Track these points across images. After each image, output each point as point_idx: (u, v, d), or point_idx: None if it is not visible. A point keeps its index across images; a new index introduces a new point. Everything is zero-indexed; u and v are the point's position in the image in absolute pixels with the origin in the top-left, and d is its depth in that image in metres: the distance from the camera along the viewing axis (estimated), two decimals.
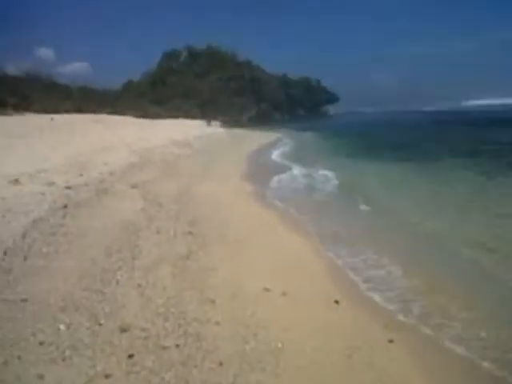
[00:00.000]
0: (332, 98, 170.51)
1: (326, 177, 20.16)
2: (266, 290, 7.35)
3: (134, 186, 15.25)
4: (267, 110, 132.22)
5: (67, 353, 5.11)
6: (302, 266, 8.80)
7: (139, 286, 7.00)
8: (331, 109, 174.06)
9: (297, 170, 22.48)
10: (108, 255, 8.22)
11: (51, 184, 13.61)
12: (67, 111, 53.31)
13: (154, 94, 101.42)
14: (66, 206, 11.43)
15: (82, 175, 15.91)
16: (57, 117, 40.63)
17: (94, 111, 59.79)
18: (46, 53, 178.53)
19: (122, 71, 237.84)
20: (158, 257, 8.38)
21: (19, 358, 4.95)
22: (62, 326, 5.64)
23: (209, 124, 69.31)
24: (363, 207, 13.86)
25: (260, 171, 22.71)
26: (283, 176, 21.06)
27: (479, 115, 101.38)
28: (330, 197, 15.98)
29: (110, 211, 11.57)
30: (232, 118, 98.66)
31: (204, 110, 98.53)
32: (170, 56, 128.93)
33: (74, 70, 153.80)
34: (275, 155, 30.92)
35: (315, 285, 7.88)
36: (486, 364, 5.53)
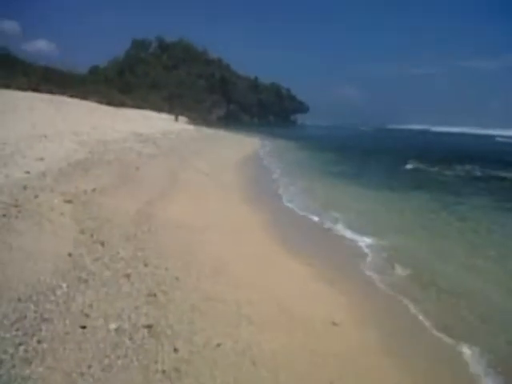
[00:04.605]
0: (302, 108, 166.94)
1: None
2: None
3: (69, 200, 10.08)
4: (237, 111, 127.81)
5: None
6: None
7: None
8: (300, 118, 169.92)
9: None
10: None
11: None
12: (21, 88, 47.82)
13: (121, 82, 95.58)
14: None
15: None
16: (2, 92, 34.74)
17: (52, 92, 55.06)
18: (10, 26, 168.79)
19: (90, 56, 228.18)
20: None
21: None
22: None
23: (176, 119, 63.92)
24: None
25: (263, 190, 17.83)
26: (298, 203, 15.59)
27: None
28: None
29: (10, 256, 6.39)
30: (200, 116, 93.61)
31: (171, 103, 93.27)
32: (140, 45, 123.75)
33: (39, 48, 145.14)
34: (271, 169, 24.85)
35: None
36: None
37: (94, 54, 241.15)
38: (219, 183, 17.10)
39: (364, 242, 10.98)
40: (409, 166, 31.00)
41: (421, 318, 7.02)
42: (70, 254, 6.93)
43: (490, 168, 31.76)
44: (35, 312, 4.97)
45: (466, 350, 6.08)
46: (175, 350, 4.82)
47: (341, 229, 12.14)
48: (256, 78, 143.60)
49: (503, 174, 29.09)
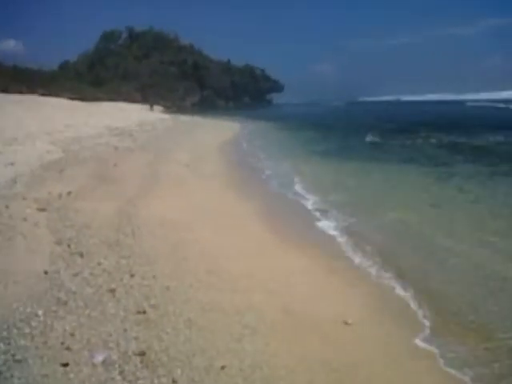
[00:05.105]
0: (277, 87, 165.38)
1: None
2: None
3: (42, 208, 9.34)
4: (211, 96, 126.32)
5: None
6: None
7: None
8: (275, 97, 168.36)
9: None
10: None
11: None
12: None
13: (92, 76, 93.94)
14: None
15: None
16: None
17: (21, 92, 54.21)
18: None
19: (60, 52, 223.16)
20: None
21: None
22: None
23: (151, 109, 62.86)
24: None
25: (248, 176, 17.01)
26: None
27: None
28: None
29: None
30: (174, 104, 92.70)
31: (144, 93, 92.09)
32: (109, 36, 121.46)
33: (6, 48, 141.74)
34: (254, 152, 23.65)
35: None
36: None
37: (65, 50, 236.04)
38: (201, 173, 16.29)
39: (363, 223, 10.38)
40: (376, 139, 30.57)
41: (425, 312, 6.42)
42: (45, 272, 6.22)
43: (460, 135, 31.41)
44: (5, 353, 4.24)
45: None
46: (174, 381, 4.13)
47: (335, 213, 11.42)
48: (229, 61, 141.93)
49: (476, 141, 28.31)
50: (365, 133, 33.44)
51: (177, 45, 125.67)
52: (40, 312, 5.08)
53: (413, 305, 6.42)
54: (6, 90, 50.69)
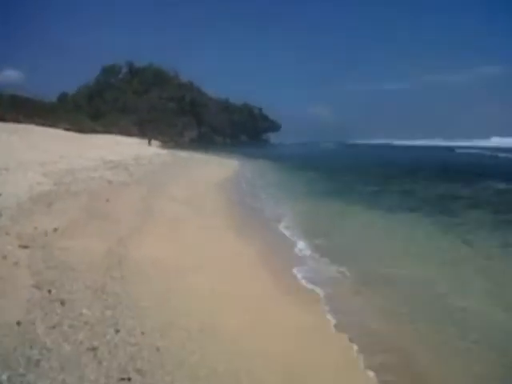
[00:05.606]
0: (274, 127, 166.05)
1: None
2: None
3: (25, 245, 8.57)
4: (209, 132, 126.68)
5: None
6: None
7: None
8: (272, 136, 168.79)
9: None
10: None
11: None
12: None
13: (91, 108, 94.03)
14: None
15: None
16: None
17: (18, 121, 53.96)
18: None
19: (59, 84, 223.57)
20: None
21: None
22: None
23: (149, 143, 62.47)
24: None
25: (248, 216, 16.22)
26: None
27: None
28: None
29: None
30: (172, 139, 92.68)
31: (142, 127, 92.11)
32: (110, 70, 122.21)
33: (6, 77, 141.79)
34: (253, 192, 23.02)
35: None
36: None
37: (66, 83, 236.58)
38: (199, 212, 15.54)
39: (362, 275, 9.64)
40: (374, 186, 29.41)
41: None
42: (18, 323, 5.43)
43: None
44: None
45: None
46: None
47: (340, 259, 10.64)
48: (227, 99, 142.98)
49: (478, 188, 27.31)
50: (360, 177, 32.60)
51: (177, 82, 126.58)
52: (4, 376, 4.29)
53: None
54: (3, 119, 50.38)
